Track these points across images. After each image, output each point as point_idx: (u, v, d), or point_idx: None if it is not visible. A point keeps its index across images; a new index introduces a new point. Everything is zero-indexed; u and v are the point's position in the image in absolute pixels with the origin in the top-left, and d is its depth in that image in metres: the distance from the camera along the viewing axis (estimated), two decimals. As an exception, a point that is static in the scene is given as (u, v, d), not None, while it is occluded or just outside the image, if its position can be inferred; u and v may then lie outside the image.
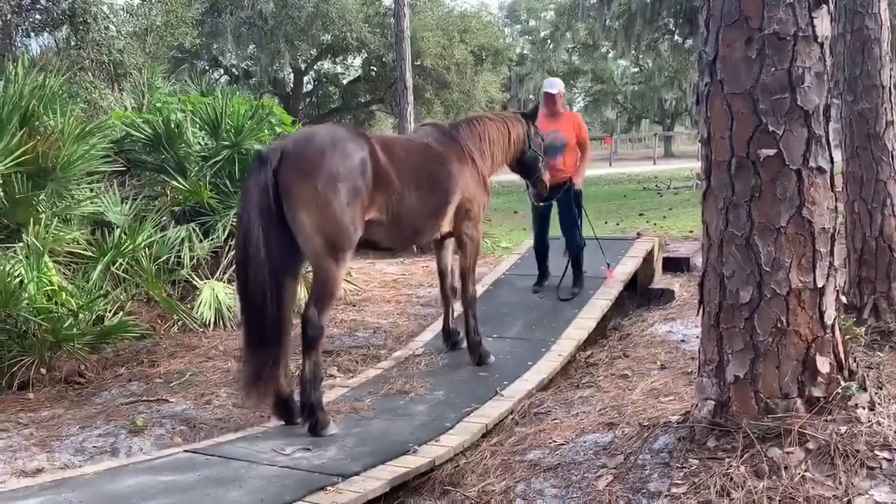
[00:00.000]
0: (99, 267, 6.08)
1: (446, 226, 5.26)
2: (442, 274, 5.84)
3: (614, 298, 6.63)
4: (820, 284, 3.23)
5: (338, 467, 3.85)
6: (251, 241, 4.22)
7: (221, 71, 26.98)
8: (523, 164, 5.99)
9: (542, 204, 6.63)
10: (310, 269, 4.70)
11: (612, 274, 6.86)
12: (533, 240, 7.12)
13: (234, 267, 7.02)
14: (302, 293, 5.93)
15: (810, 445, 3.08)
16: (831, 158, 3.25)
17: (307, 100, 28.99)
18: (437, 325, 6.23)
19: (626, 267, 7.13)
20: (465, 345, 5.66)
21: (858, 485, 2.92)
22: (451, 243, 5.68)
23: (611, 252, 7.25)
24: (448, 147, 5.26)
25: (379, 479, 3.73)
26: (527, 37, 44.61)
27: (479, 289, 6.60)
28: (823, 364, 3.23)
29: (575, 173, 6.73)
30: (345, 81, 28.92)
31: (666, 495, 3.07)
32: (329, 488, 3.60)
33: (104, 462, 4.17)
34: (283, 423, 4.56)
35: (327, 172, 4.25)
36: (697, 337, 4.01)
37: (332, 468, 3.84)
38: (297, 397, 4.52)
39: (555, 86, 6.80)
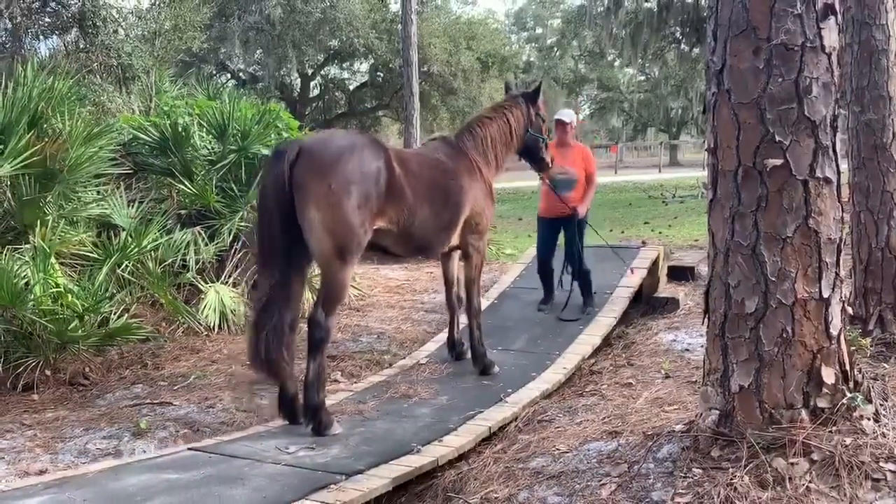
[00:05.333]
0: (105, 269, 6.09)
1: (455, 239, 5.29)
2: (448, 283, 5.86)
3: (619, 316, 6.62)
4: (826, 295, 3.23)
5: (341, 466, 3.86)
6: (268, 230, 4.37)
7: (229, 75, 27.07)
8: (524, 148, 5.91)
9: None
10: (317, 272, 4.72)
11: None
12: (537, 264, 7.11)
13: (238, 270, 7.06)
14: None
15: (815, 456, 3.07)
16: (838, 169, 3.25)
17: (314, 105, 29.09)
18: (442, 336, 6.24)
19: (632, 278, 7.16)
20: (469, 355, 5.67)
21: (863, 497, 2.91)
22: (457, 253, 5.70)
23: (615, 261, 7.26)
24: (458, 161, 5.29)
25: (382, 477, 3.74)
26: (533, 44, 44.66)
27: (485, 302, 6.61)
28: (829, 375, 3.22)
29: (580, 203, 6.78)
30: (351, 87, 29.04)
31: (669, 505, 3.06)
32: (332, 486, 3.61)
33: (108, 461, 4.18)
34: (286, 422, 4.58)
35: (342, 173, 4.29)
36: (702, 346, 4.01)
37: (336, 466, 3.84)
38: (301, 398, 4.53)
39: (568, 115, 6.94)
